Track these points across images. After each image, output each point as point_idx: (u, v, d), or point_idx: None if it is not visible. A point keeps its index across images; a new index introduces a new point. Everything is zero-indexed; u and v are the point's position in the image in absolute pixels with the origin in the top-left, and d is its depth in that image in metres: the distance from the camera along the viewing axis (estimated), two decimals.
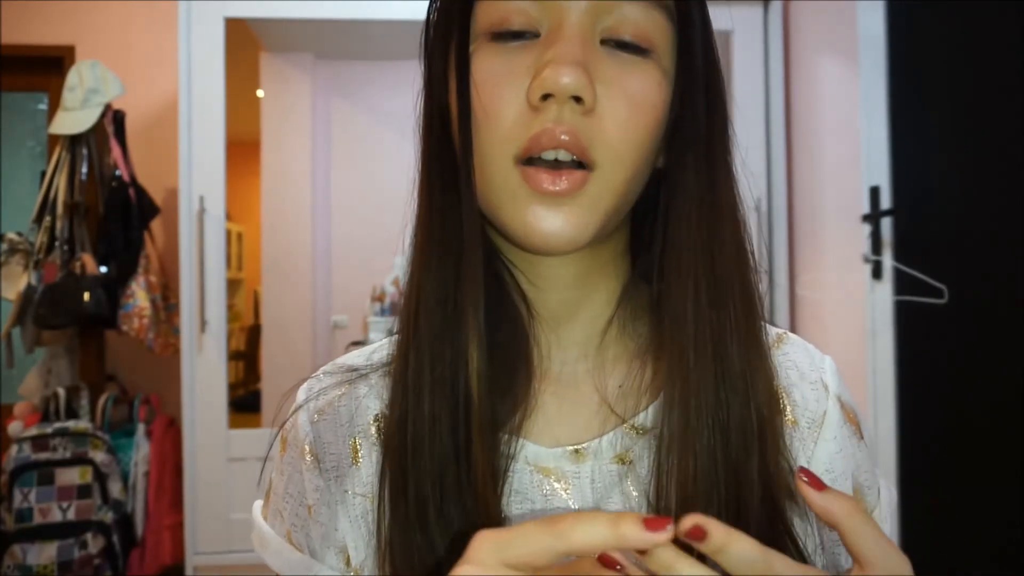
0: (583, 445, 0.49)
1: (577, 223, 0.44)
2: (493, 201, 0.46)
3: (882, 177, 1.81)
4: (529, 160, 0.44)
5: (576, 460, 0.49)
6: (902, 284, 1.77)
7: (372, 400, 0.52)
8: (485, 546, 0.33)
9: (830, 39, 2.19)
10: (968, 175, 1.63)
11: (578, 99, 0.43)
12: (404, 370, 0.48)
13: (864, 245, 1.84)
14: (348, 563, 0.50)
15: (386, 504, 0.47)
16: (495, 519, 0.44)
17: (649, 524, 0.31)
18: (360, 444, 0.51)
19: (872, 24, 1.84)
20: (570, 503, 0.48)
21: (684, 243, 0.46)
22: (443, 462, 0.45)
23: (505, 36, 0.45)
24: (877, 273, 1.82)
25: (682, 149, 0.47)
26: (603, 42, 0.45)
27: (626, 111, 0.45)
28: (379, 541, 0.47)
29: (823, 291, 2.24)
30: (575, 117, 0.44)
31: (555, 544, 0.32)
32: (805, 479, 0.37)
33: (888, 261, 1.79)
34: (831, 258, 2.18)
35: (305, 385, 0.55)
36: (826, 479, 0.50)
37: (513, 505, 0.48)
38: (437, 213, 0.48)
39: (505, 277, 0.51)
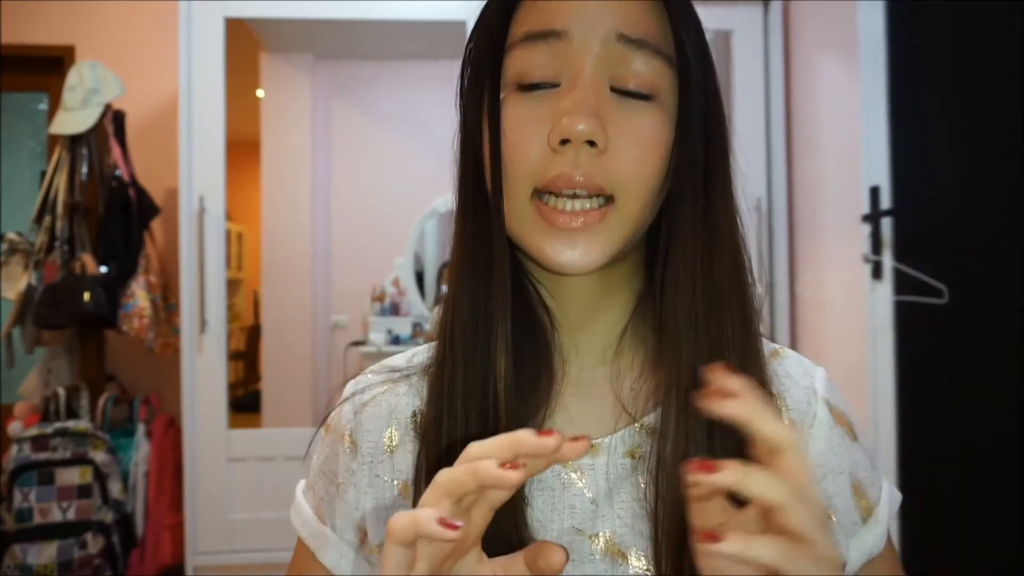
0: (598, 440, 0.54)
1: (592, 253, 0.51)
2: (515, 229, 0.53)
3: (882, 177, 1.81)
4: (545, 193, 0.51)
5: (591, 454, 0.54)
6: (902, 284, 1.77)
7: (411, 398, 0.59)
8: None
9: (830, 39, 2.19)
10: (968, 175, 1.63)
11: (592, 143, 0.49)
12: (440, 374, 0.54)
13: (864, 245, 1.84)
14: (364, 540, 0.57)
15: (422, 490, 0.51)
16: (519, 505, 0.51)
17: (540, 435, 0.37)
18: (395, 435, 0.58)
19: (872, 24, 1.84)
20: (585, 491, 0.53)
21: (681, 261, 0.52)
22: None
23: (529, 86, 0.52)
24: (877, 273, 1.82)
25: (683, 177, 0.53)
26: (613, 89, 0.51)
27: (636, 150, 0.50)
28: None
29: (823, 291, 2.24)
30: (590, 159, 0.49)
31: (472, 477, 0.38)
32: (695, 470, 0.37)
33: (888, 261, 1.79)
34: (831, 258, 2.18)
35: (353, 381, 0.63)
36: (818, 473, 0.56)
37: (535, 492, 0.54)
38: (470, 238, 0.55)
39: (530, 291, 0.58)
